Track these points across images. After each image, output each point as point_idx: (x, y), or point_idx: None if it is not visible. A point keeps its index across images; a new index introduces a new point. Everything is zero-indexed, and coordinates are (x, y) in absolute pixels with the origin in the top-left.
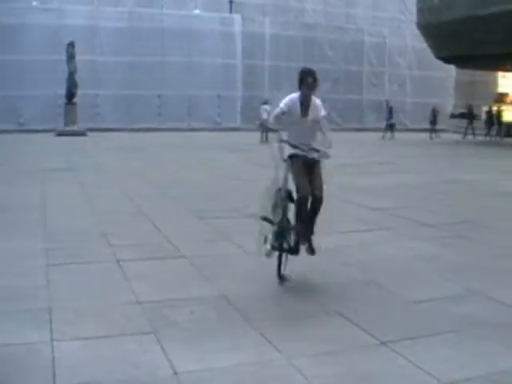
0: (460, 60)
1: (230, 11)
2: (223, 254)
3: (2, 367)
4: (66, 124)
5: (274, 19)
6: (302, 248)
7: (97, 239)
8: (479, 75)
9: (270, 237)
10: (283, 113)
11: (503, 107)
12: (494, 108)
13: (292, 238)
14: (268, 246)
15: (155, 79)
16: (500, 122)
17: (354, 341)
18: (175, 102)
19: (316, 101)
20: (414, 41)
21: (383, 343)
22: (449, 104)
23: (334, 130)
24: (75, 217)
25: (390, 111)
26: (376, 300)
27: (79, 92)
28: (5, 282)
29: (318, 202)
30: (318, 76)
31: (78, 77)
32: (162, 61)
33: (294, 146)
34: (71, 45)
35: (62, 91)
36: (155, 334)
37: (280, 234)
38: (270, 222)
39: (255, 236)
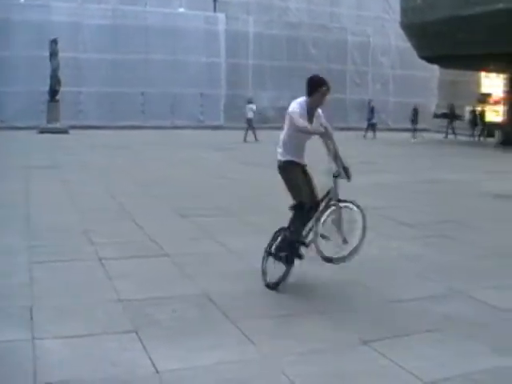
0: (443, 60)
1: (214, 10)
2: (206, 252)
3: None
4: (48, 121)
5: (258, 18)
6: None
7: (80, 237)
8: (462, 75)
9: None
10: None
11: (487, 107)
12: (478, 108)
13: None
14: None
15: (139, 77)
16: (484, 123)
17: (336, 340)
18: (159, 99)
19: (319, 109)
20: (398, 40)
21: (365, 342)
22: (432, 104)
23: None
24: (58, 214)
25: (372, 111)
26: (359, 299)
27: (62, 89)
28: None
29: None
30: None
31: (61, 74)
32: (146, 59)
33: (293, 153)
34: (54, 42)
35: (45, 88)
36: (137, 332)
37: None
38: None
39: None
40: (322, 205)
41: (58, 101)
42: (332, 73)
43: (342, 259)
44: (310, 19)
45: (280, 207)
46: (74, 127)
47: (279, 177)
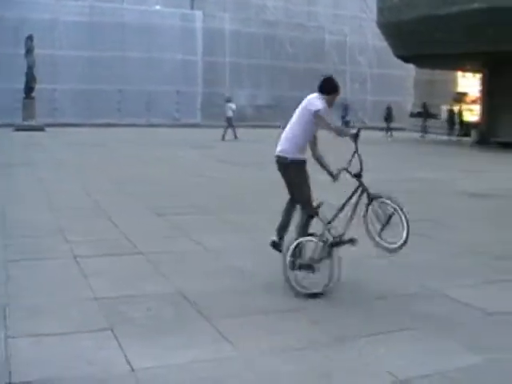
0: (420, 59)
1: (191, 7)
2: (182, 250)
3: None
4: (24, 119)
5: (235, 16)
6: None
7: (55, 235)
8: (439, 74)
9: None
10: None
11: (463, 107)
12: (456, 107)
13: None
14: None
15: (115, 74)
16: (461, 122)
17: (312, 338)
18: (135, 97)
19: None
20: (375, 39)
21: (342, 340)
22: (408, 102)
23: None
24: (33, 212)
25: (346, 109)
26: (335, 297)
27: (38, 86)
28: None
29: None
30: None
31: (36, 71)
32: (122, 56)
33: (304, 150)
34: (30, 38)
35: (21, 85)
36: (112, 330)
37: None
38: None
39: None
40: (353, 200)
41: (33, 98)
42: (309, 71)
43: (395, 250)
44: (287, 18)
45: (258, 206)
46: (49, 125)
47: (259, 175)
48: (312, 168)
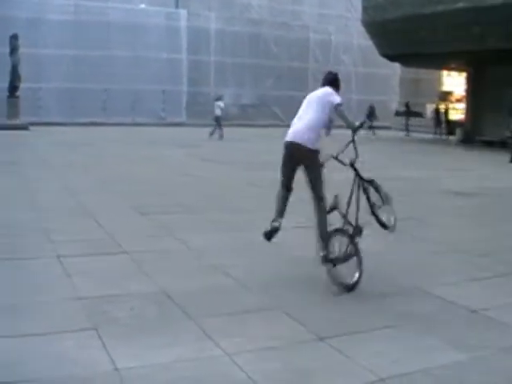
0: (405, 58)
1: (176, 6)
2: (166, 249)
3: None
4: (8, 118)
5: (220, 14)
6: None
7: (38, 235)
8: (424, 73)
9: None
10: None
11: (449, 105)
12: (442, 106)
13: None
14: None
15: (100, 73)
16: (447, 121)
17: (294, 337)
18: (120, 96)
19: None
20: (360, 38)
21: (322, 339)
22: (393, 101)
23: (278, 125)
24: (17, 212)
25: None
26: (316, 296)
27: (22, 85)
28: None
29: None
30: None
31: (21, 70)
32: (108, 55)
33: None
34: (14, 37)
35: (5, 84)
36: (95, 330)
37: None
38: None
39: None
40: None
41: (18, 97)
42: (294, 70)
43: (393, 228)
44: (271, 17)
45: (243, 205)
46: (34, 124)
47: (245, 174)
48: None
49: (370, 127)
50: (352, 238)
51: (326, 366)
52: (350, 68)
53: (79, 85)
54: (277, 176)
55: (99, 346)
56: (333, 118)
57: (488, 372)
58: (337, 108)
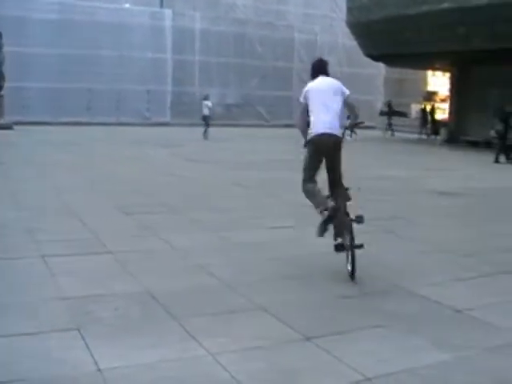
0: (389, 58)
1: (161, 5)
2: (150, 249)
3: None
4: None
5: (205, 14)
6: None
7: (23, 234)
8: (409, 73)
9: None
10: None
11: (435, 105)
12: (428, 106)
13: None
14: None
15: (85, 72)
16: (434, 121)
17: (279, 336)
18: (105, 95)
19: None
20: (345, 38)
21: (308, 339)
22: (378, 101)
23: (262, 125)
24: (0, 211)
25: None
26: (302, 295)
27: (6, 84)
28: None
29: None
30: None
31: (5, 68)
32: (92, 54)
33: None
34: None
35: None
36: (79, 330)
37: None
38: None
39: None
40: None
41: (2, 96)
42: (278, 70)
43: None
44: (256, 16)
45: (227, 204)
46: (18, 123)
47: (229, 174)
48: None
49: (349, 127)
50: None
51: (313, 365)
52: (335, 68)
53: (64, 84)
54: (262, 176)
55: (82, 347)
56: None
57: (473, 372)
58: (349, 97)
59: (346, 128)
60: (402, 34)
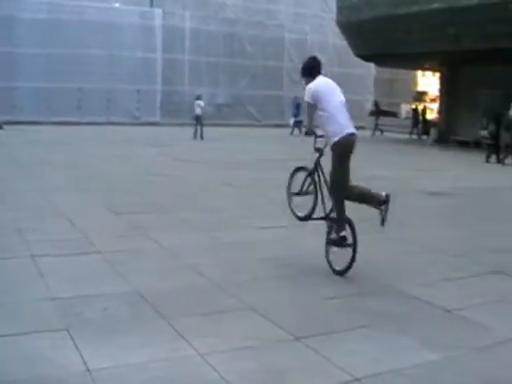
0: (379, 58)
1: (151, 5)
2: (139, 249)
3: None
4: None
5: (195, 14)
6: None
7: (12, 234)
8: (399, 73)
9: None
10: None
11: (425, 105)
12: (420, 106)
13: None
14: None
15: (75, 72)
16: (425, 121)
17: (268, 336)
18: (95, 95)
19: None
20: (335, 38)
21: (297, 339)
22: (368, 101)
23: (253, 125)
24: None
25: (297, 107)
26: (290, 296)
27: None
28: None
29: None
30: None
31: None
32: (82, 53)
33: None
34: None
35: None
36: (68, 330)
37: None
38: None
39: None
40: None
41: None
42: (269, 70)
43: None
44: (246, 16)
45: (217, 204)
46: (8, 123)
47: (219, 174)
48: None
49: None
50: None
51: (302, 366)
52: (325, 68)
53: (53, 84)
54: (252, 175)
55: (71, 347)
56: None
57: (461, 372)
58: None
59: None
60: (392, 34)
